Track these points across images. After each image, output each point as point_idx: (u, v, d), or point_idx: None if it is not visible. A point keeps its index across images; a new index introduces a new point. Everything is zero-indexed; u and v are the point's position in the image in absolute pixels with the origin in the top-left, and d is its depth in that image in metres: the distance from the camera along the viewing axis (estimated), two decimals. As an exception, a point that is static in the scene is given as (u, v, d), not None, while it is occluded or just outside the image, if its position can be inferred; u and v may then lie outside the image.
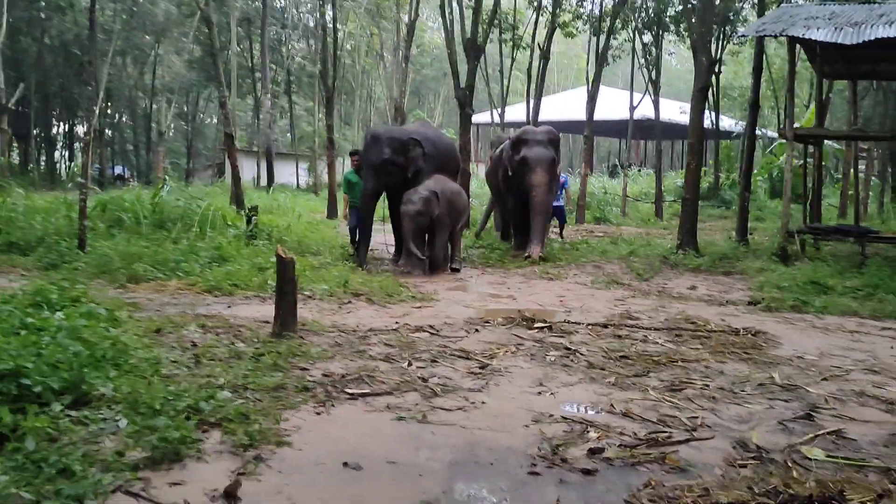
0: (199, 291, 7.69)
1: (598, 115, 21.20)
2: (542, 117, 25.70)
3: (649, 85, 22.24)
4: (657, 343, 6.02)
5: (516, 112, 27.65)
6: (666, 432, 3.97)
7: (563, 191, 14.08)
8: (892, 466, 3.54)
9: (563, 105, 30.18)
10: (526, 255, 10.95)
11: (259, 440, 3.62)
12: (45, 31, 30.84)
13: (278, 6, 34.69)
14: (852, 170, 16.60)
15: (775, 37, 12.07)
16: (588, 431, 3.95)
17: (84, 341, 4.41)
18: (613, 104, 28.11)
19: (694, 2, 13.30)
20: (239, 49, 31.35)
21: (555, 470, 3.46)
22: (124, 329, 5.28)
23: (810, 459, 3.65)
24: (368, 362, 5.11)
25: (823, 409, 4.49)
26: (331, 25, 17.23)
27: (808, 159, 13.86)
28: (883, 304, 8.00)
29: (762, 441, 3.88)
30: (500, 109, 24.66)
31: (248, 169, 29.19)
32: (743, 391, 4.80)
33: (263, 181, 28.37)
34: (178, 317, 6.20)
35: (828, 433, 4.04)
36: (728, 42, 22.09)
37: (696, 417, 4.23)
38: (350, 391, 4.47)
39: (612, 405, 4.41)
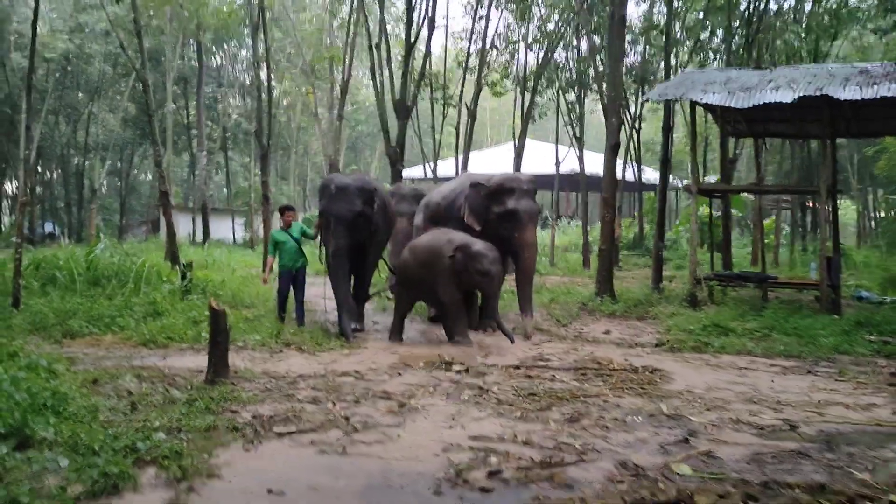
0: (135, 345, 7.98)
1: (527, 169, 22.07)
2: (471, 171, 26.57)
3: (573, 140, 23.32)
4: (563, 381, 6.58)
5: (448, 166, 28.52)
6: (559, 456, 4.50)
7: None
8: (746, 478, 4.12)
9: (493, 159, 31.13)
10: (518, 330, 9.17)
11: (191, 474, 4.01)
12: (-26, 90, 30.60)
13: (214, 65, 35.15)
14: (772, 219, 17.71)
15: (676, 100, 13.07)
16: (490, 457, 4.44)
17: (26, 390, 4.74)
18: (542, 158, 29.17)
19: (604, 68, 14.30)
20: (175, 107, 31.62)
21: (457, 490, 3.95)
22: (62, 380, 5.59)
23: (678, 474, 4.21)
24: (295, 404, 5.53)
25: (701, 434, 5.07)
26: (266, 84, 17.76)
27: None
28: (774, 344, 8.74)
29: (641, 461, 4.44)
30: (431, 164, 25.45)
31: (184, 225, 29.27)
32: (633, 421, 5.37)
33: (199, 237, 28.44)
34: (114, 368, 6.52)
35: (699, 453, 4.62)
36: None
37: (588, 444, 4.77)
38: (277, 430, 4.89)
39: (515, 435, 4.91)
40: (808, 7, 20.40)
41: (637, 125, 24.20)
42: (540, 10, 22.11)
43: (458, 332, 8.69)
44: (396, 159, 15.85)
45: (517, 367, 7.11)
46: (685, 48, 22.63)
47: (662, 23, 19.15)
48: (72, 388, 5.40)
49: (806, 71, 12.20)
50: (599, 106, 19.59)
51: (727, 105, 11.05)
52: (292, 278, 9.66)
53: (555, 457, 4.48)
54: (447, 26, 32.69)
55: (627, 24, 20.89)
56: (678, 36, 21.66)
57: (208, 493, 3.81)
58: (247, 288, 12.46)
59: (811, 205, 24.18)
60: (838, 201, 14.88)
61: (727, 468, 4.36)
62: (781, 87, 11.21)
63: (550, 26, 22.06)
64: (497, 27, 22.26)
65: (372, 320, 10.59)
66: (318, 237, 9.86)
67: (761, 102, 10.79)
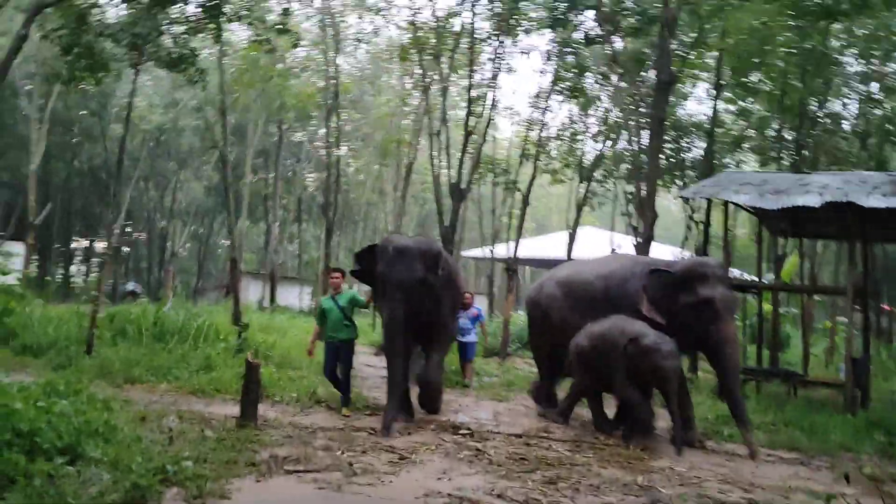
0: (185, 393, 8.93)
1: (579, 254, 22.72)
2: (529, 254, 27.41)
3: (632, 229, 23.92)
4: (557, 451, 7.18)
5: (500, 249, 29.41)
6: (524, 508, 5.14)
7: (478, 324, 12.10)
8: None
9: (551, 244, 31.86)
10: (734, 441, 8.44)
11: (207, 494, 4.84)
12: (76, 156, 33.37)
13: (295, 141, 37.39)
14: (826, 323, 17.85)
15: (709, 200, 13.70)
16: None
17: (84, 418, 5.68)
18: (597, 245, 29.75)
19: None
20: (254, 178, 33.70)
21: (424, 525, 4.64)
22: (115, 415, 6.53)
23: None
24: (309, 450, 6.33)
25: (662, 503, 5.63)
26: (336, 162, 19.19)
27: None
28: (780, 437, 9.07)
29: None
30: (491, 246, 26.42)
31: (256, 290, 30.79)
32: (607, 488, 5.95)
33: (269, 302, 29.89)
34: (161, 410, 7.46)
35: (650, 516, 5.19)
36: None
37: (555, 501, 5.39)
38: (287, 468, 5.69)
39: (493, 490, 5.57)
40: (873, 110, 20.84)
41: (707, 219, 24.66)
42: (601, 104, 23.18)
43: (635, 434, 7.76)
44: (448, 239, 16.82)
45: (519, 436, 7.74)
46: (742, 147, 23.20)
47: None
48: (122, 421, 6.33)
49: (840, 177, 12.63)
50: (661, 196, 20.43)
51: (756, 206, 11.63)
52: (336, 351, 8.65)
53: (520, 508, 5.13)
54: (511, 114, 33.72)
55: (692, 121, 22.01)
56: (741, 133, 22.34)
57: (217, 508, 4.63)
58: (297, 350, 13.38)
59: (887, 308, 23.97)
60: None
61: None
62: (812, 192, 11.70)
63: (610, 119, 23.06)
64: (553, 118, 23.36)
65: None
66: (372, 305, 9.21)
67: (789, 206, 11.32)
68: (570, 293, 9.42)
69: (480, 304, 29.82)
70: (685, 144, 23.31)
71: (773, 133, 21.84)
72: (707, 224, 14.95)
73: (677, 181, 23.29)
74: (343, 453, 6.33)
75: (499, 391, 11.36)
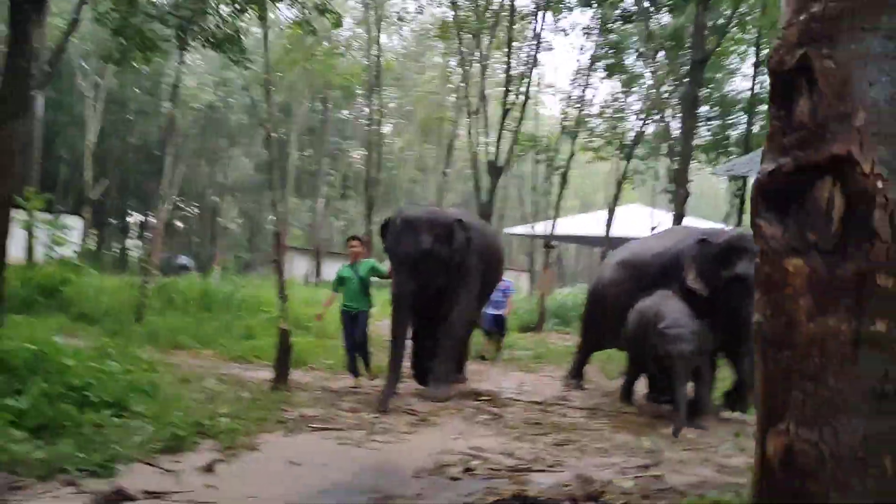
0: (226, 359, 9.54)
1: (618, 232, 22.83)
2: (570, 231, 27.54)
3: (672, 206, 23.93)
4: (572, 418, 7.52)
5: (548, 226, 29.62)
6: (530, 466, 5.51)
7: (507, 298, 12.13)
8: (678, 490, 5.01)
9: (592, 221, 31.91)
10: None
11: (237, 446, 5.32)
12: (131, 133, 34.48)
13: (339, 118, 37.97)
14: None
15: (743, 178, 13.76)
16: (472, 461, 5.51)
17: (130, 377, 6.24)
18: (638, 222, 29.71)
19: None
20: (300, 155, 34.41)
21: (432, 477, 5.04)
22: (160, 376, 7.09)
23: (618, 485, 5.14)
24: (335, 411, 6.79)
25: (665, 466, 5.93)
26: (378, 139, 19.64)
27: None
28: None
29: (596, 475, 5.37)
30: (532, 223, 26.67)
31: (302, 266, 31.63)
32: (615, 450, 6.28)
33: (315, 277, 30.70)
34: (202, 373, 8.01)
35: (649, 476, 5.51)
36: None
37: (560, 461, 5.74)
38: (312, 426, 6.15)
39: (503, 449, 5.95)
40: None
41: (742, 195, 24.54)
42: (643, 81, 23.15)
43: (678, 418, 7.07)
44: (487, 216, 17.15)
45: (538, 403, 8.10)
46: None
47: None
48: (165, 381, 6.88)
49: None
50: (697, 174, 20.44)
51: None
52: (352, 320, 8.49)
53: (526, 465, 5.50)
54: (553, 92, 33.92)
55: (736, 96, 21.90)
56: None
57: (245, 457, 5.11)
58: (335, 322, 13.90)
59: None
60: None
61: (664, 488, 5.24)
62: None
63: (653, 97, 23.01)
64: (594, 95, 23.38)
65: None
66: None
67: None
68: (632, 275, 8.80)
69: (523, 281, 30.27)
70: (730, 121, 23.19)
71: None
72: (742, 201, 15.02)
73: (722, 157, 23.23)
74: (367, 415, 6.77)
75: (527, 363, 11.72)
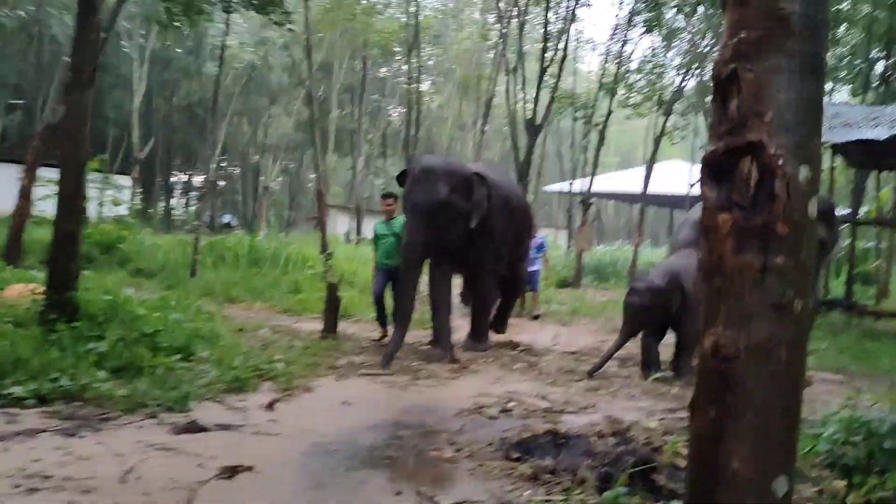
0: (277, 311, 10.10)
1: (656, 189, 22.93)
2: (609, 188, 27.61)
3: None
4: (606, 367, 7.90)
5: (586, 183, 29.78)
6: (562, 407, 5.93)
7: (541, 254, 12.27)
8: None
9: (631, 178, 31.95)
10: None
11: (294, 387, 5.82)
12: (175, 94, 35.15)
13: (378, 76, 38.17)
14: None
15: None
16: (509, 403, 5.95)
17: (193, 326, 6.77)
18: (680, 178, 29.71)
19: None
20: (340, 113, 34.79)
21: (472, 416, 5.49)
22: (218, 325, 7.63)
23: (644, 427, 5.53)
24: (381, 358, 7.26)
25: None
26: (416, 98, 19.91)
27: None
28: (828, 360, 9.51)
29: (624, 416, 5.78)
30: (570, 180, 26.83)
31: (343, 223, 32.22)
32: (643, 396, 6.67)
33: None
34: (256, 323, 8.56)
35: (673, 417, 5.89)
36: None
37: (592, 403, 6.15)
38: (362, 371, 6.64)
39: (538, 393, 6.38)
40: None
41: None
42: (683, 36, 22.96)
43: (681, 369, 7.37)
44: (523, 174, 17.41)
45: (572, 353, 8.50)
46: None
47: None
48: (224, 331, 7.42)
49: (916, 109, 12.57)
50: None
51: (822, 141, 11.74)
52: (390, 277, 8.19)
53: (559, 407, 5.92)
54: (592, 47, 33.62)
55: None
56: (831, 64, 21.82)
57: (301, 397, 5.62)
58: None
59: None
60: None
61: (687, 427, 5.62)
62: (882, 124, 11.76)
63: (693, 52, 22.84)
64: (633, 51, 23.25)
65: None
66: None
67: (854, 140, 11.44)
68: (694, 238, 8.21)
69: (561, 238, 30.46)
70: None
71: (862, 64, 21.25)
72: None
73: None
74: (412, 362, 7.24)
75: (563, 317, 12.11)
